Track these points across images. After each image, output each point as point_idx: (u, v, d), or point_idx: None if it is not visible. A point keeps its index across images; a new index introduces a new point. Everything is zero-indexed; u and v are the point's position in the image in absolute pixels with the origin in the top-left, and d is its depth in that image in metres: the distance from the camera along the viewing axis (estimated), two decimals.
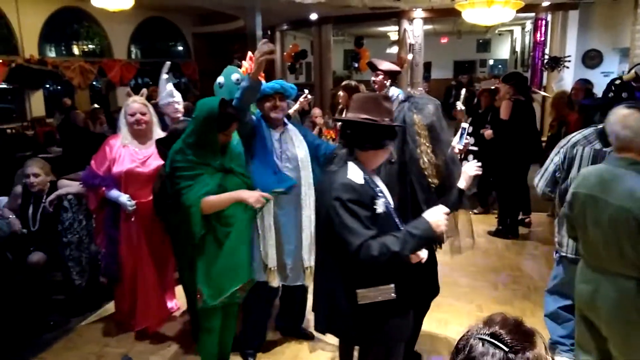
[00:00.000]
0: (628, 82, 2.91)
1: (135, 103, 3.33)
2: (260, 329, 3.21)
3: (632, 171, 2.05)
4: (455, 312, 3.69)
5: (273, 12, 10.74)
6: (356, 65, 13.17)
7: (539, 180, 2.99)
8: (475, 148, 5.47)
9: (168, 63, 3.87)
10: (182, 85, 13.57)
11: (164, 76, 3.82)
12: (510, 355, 1.01)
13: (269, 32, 13.58)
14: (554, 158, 2.92)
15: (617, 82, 2.92)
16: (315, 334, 3.41)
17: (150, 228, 3.32)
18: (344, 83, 4.86)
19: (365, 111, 2.04)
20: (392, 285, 2.00)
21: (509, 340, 1.03)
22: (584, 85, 5.92)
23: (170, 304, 3.73)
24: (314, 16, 11.61)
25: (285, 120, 3.02)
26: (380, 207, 1.98)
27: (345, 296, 2.02)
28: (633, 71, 4.10)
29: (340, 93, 4.64)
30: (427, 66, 16.91)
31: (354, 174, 1.98)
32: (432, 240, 1.91)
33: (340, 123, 2.37)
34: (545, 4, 9.99)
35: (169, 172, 2.54)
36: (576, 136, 2.87)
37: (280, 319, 3.44)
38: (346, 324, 2.06)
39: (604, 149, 2.68)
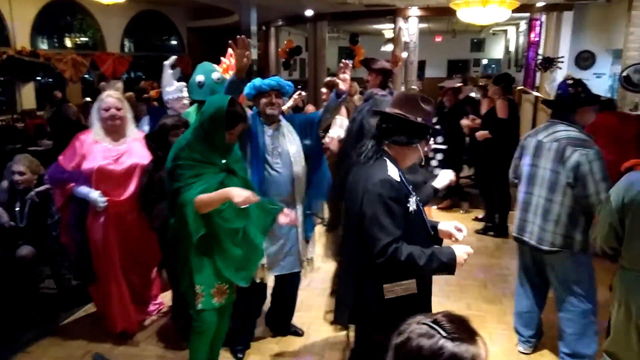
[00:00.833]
0: (579, 80, 3.06)
1: (110, 97, 3.18)
2: (250, 325, 3.21)
3: None
4: (444, 310, 3.69)
5: (268, 7, 10.70)
6: (351, 62, 13.16)
7: (510, 170, 3.25)
8: (444, 147, 5.64)
9: (174, 57, 3.84)
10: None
11: (169, 70, 3.78)
12: (445, 342, 1.03)
13: (264, 28, 13.53)
14: (517, 150, 3.21)
15: (570, 80, 3.07)
16: (305, 330, 3.41)
17: (125, 227, 3.18)
18: (326, 79, 4.89)
19: (401, 108, 2.08)
20: (414, 280, 2.06)
21: (448, 328, 1.05)
22: None
23: (154, 303, 3.64)
24: (309, 12, 11.57)
25: (280, 116, 3.02)
26: (412, 205, 2.02)
27: (374, 291, 2.06)
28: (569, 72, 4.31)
29: (323, 90, 4.66)
30: (422, 65, 16.93)
31: (392, 170, 2.02)
32: (449, 271, 1.97)
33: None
34: (540, 4, 10.01)
35: (170, 167, 2.43)
36: (536, 129, 3.17)
37: (270, 316, 3.42)
38: (373, 316, 2.10)
39: (543, 140, 2.93)
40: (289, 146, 2.95)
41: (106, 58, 11.60)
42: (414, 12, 10.93)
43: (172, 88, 3.75)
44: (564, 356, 3.00)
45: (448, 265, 1.97)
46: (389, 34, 13.80)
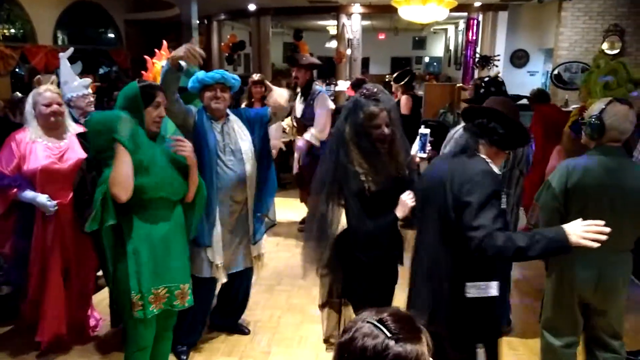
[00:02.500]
0: (495, 78, 3.30)
1: (50, 92, 2.94)
2: (197, 325, 3.10)
3: (629, 159, 2.37)
4: (394, 302, 3.75)
5: (210, 1, 10.49)
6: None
7: None
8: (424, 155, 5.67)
9: (71, 49, 3.46)
10: (113, 74, 12.99)
11: (68, 64, 3.42)
12: (389, 342, 1.03)
13: (206, 22, 13.26)
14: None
15: (486, 79, 3.30)
16: (252, 329, 3.37)
17: (68, 231, 2.96)
18: (254, 77, 4.88)
19: (507, 112, 2.02)
20: (497, 282, 1.98)
21: (393, 328, 1.05)
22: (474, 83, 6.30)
23: (95, 315, 3.37)
24: (252, 7, 11.45)
25: (228, 111, 2.93)
26: (503, 204, 1.95)
27: (454, 289, 1.97)
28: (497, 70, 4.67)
29: (253, 89, 4.67)
30: (365, 61, 17.14)
31: (493, 166, 1.97)
32: (564, 249, 1.76)
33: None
34: (477, 4, 10.37)
35: (92, 156, 2.30)
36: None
37: (215, 315, 3.33)
38: (451, 316, 2.00)
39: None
40: (240, 143, 2.87)
41: (37, 51, 10.97)
42: (357, 9, 11.04)
43: (75, 84, 3.40)
44: None
45: (558, 241, 1.74)
46: (333, 31, 13.87)
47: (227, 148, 2.83)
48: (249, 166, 2.89)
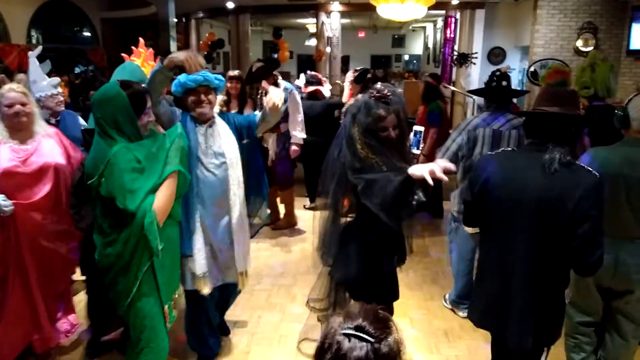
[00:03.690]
0: (505, 72, 3.42)
1: (13, 92, 2.79)
2: (203, 338, 2.98)
3: None
4: (352, 306, 3.77)
5: None
6: (275, 56, 13.06)
7: (441, 158, 3.26)
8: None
9: (39, 48, 3.36)
10: (89, 73, 12.79)
11: (37, 63, 3.35)
12: (377, 345, 1.04)
13: (184, 20, 13.13)
14: (457, 139, 3.34)
15: (498, 73, 3.41)
16: (232, 329, 3.35)
17: (34, 234, 2.82)
18: (231, 73, 4.85)
19: (562, 106, 2.03)
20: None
21: (372, 331, 1.05)
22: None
23: (68, 323, 3.20)
24: (230, 5, 11.37)
25: (215, 113, 2.79)
26: None
27: (557, 299, 2.04)
28: (507, 64, 4.88)
29: (228, 84, 4.63)
30: (345, 60, 17.17)
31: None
32: None
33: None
34: (454, 2, 10.45)
35: (124, 179, 2.14)
36: (475, 120, 3.36)
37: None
38: (553, 327, 2.06)
39: (501, 129, 3.24)
40: (224, 146, 2.74)
41: (10, 50, 10.73)
42: (336, 7, 11.05)
43: (44, 83, 3.32)
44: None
45: None
46: (312, 29, 13.85)
47: (210, 151, 2.71)
48: (233, 171, 2.76)
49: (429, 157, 4.64)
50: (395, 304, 3.01)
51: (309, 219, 5.59)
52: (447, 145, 3.38)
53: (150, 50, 3.39)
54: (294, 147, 4.90)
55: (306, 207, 5.91)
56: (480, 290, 2.20)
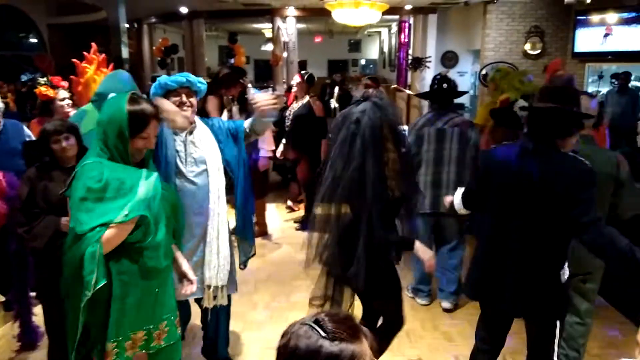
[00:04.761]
0: (446, 75, 3.72)
1: None
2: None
3: (593, 146, 2.58)
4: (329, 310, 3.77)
5: (139, 3, 10.15)
6: (232, 61, 12.95)
7: None
8: None
9: None
10: (37, 81, 12.30)
11: None
12: (324, 342, 1.03)
13: (136, 25, 12.84)
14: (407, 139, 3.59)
15: (439, 76, 3.69)
16: (191, 339, 3.27)
17: None
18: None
19: (558, 101, 2.15)
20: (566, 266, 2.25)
21: (329, 328, 1.04)
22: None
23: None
24: (184, 10, 11.19)
25: (196, 118, 2.65)
26: None
27: (553, 277, 2.19)
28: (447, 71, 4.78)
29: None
30: (303, 64, 17.19)
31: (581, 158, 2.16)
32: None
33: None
34: (407, 7, 10.63)
35: (81, 196, 1.93)
36: (421, 120, 3.68)
37: (203, 351, 3.06)
38: (550, 303, 2.22)
39: (444, 127, 3.50)
40: (205, 153, 2.60)
41: None
42: (291, 12, 11.05)
43: None
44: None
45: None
46: (268, 34, 13.81)
47: (190, 158, 2.58)
48: (214, 179, 2.61)
49: None
50: (360, 306, 3.02)
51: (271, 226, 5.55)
52: None
53: (103, 56, 3.27)
54: (262, 162, 4.85)
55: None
56: (477, 267, 2.42)
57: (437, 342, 3.34)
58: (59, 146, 2.51)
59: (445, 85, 3.61)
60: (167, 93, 2.54)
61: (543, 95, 2.27)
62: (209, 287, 2.66)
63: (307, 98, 5.40)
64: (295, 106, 5.46)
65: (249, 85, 4.80)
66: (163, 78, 2.57)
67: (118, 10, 9.07)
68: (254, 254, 3.03)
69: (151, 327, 2.12)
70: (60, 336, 2.53)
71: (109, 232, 1.89)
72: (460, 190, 2.57)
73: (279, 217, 6.14)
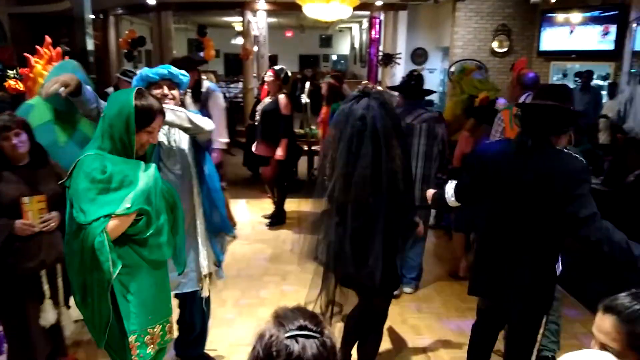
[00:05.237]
0: (419, 73, 3.92)
1: None
2: None
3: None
4: (302, 299, 3.73)
5: None
6: (201, 54, 12.75)
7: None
8: None
9: None
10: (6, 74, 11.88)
11: None
12: (322, 339, 1.04)
13: (102, 16, 12.52)
14: None
15: (415, 73, 3.91)
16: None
17: None
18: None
19: (554, 99, 2.24)
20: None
21: (314, 327, 1.06)
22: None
23: None
24: (152, 1, 10.96)
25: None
26: None
27: (548, 272, 2.28)
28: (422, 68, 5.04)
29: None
30: (274, 59, 17.08)
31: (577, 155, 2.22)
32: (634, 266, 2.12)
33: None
34: (378, 3, 10.67)
35: (85, 187, 1.93)
36: None
37: (177, 345, 3.00)
38: (545, 298, 2.33)
39: (413, 123, 3.63)
40: (183, 143, 2.60)
41: None
42: (262, 5, 10.95)
43: None
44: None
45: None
46: (239, 27, 13.66)
47: (171, 151, 2.58)
48: (193, 170, 2.64)
49: None
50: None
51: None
52: None
53: (58, 49, 3.10)
54: (214, 154, 4.78)
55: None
56: (480, 263, 2.50)
57: (406, 336, 3.38)
58: (9, 143, 2.35)
59: (413, 83, 3.79)
60: (149, 85, 2.51)
61: (540, 93, 2.39)
62: (206, 276, 2.71)
63: (282, 95, 5.26)
64: (267, 101, 5.40)
65: (203, 76, 4.70)
66: (145, 70, 2.54)
67: (83, 1, 8.81)
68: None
69: (164, 320, 2.19)
70: (21, 341, 2.50)
71: (112, 223, 1.91)
72: (451, 184, 2.65)
73: (248, 213, 6.10)
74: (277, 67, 5.44)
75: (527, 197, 2.21)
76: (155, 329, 2.14)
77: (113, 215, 1.91)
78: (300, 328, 1.04)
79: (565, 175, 2.14)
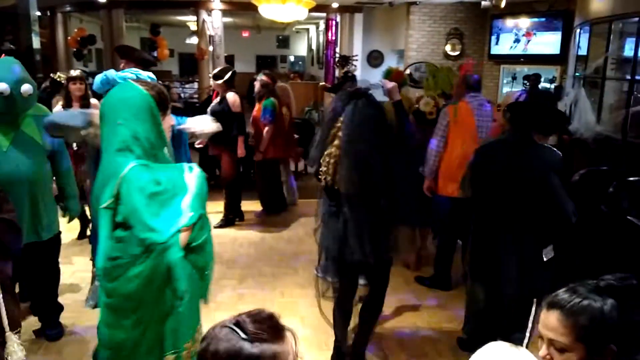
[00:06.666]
0: (348, 72, 4.08)
1: None
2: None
3: None
4: (259, 301, 3.73)
5: None
6: (155, 54, 12.47)
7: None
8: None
9: None
10: None
11: None
12: (244, 344, 1.02)
13: (48, 13, 12.05)
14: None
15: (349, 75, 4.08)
16: None
17: None
18: (73, 73, 4.53)
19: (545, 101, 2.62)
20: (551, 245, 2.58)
21: (250, 330, 1.04)
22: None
23: None
24: None
25: None
26: None
27: (537, 257, 2.53)
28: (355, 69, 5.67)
29: (71, 85, 4.32)
30: (230, 59, 16.89)
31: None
32: None
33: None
34: (334, 5, 10.74)
35: (144, 203, 1.74)
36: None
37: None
38: (537, 280, 2.54)
39: None
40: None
41: None
42: (217, 5, 10.82)
43: None
44: None
45: None
46: (193, 26, 13.43)
47: None
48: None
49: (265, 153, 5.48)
50: (286, 303, 2.97)
51: None
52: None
53: None
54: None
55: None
56: (474, 251, 2.80)
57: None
58: None
59: (349, 83, 4.09)
60: None
61: (531, 97, 2.81)
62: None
63: (230, 94, 5.19)
64: (215, 102, 5.35)
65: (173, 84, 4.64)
66: (110, 73, 2.48)
67: None
68: None
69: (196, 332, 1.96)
70: None
71: (182, 236, 1.75)
72: None
73: None
74: (217, 69, 5.43)
75: (514, 187, 2.52)
76: (189, 343, 1.92)
77: (183, 228, 1.75)
78: (236, 323, 1.05)
79: (545, 166, 2.49)
